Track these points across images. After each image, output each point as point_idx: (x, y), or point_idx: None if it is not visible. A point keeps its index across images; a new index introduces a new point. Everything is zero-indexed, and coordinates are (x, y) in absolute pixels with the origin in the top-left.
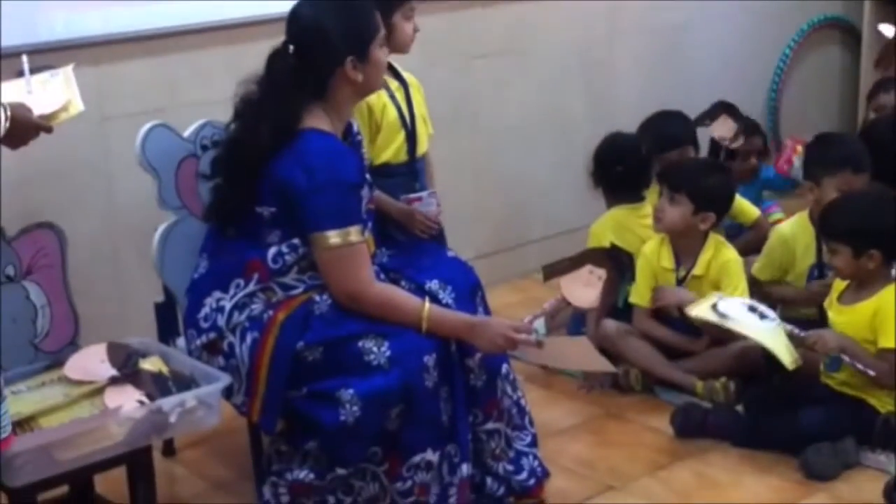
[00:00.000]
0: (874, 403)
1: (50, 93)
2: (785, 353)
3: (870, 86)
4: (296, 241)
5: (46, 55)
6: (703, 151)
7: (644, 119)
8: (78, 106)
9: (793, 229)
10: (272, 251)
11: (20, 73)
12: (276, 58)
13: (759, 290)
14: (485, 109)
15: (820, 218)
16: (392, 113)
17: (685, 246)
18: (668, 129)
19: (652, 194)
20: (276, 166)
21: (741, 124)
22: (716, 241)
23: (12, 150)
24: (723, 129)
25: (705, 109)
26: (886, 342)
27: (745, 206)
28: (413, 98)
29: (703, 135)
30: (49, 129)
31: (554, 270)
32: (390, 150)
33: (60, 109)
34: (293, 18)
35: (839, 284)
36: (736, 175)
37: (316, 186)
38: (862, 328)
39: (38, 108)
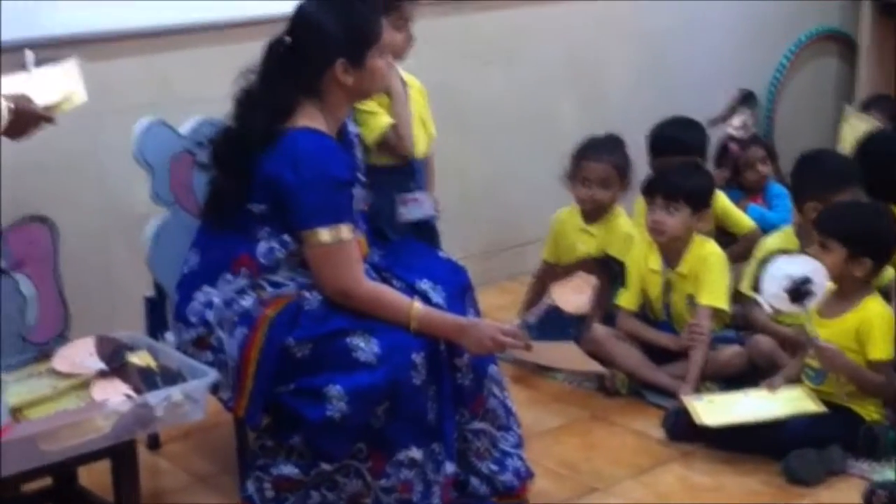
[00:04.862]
0: (859, 412)
1: (53, 84)
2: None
3: (865, 97)
4: (286, 237)
5: (44, 50)
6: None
7: (658, 122)
8: (81, 96)
9: (778, 243)
10: (262, 247)
11: (24, 67)
12: (273, 47)
13: (742, 308)
14: (475, 111)
15: (822, 214)
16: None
17: (674, 248)
18: (674, 133)
19: (638, 205)
20: (266, 163)
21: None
22: (699, 239)
23: (15, 142)
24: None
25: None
26: (877, 354)
27: (739, 217)
28: (413, 100)
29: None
30: (51, 120)
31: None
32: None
33: (63, 100)
34: (297, 10)
35: None
36: (745, 186)
37: (303, 182)
38: (846, 339)
39: (41, 99)
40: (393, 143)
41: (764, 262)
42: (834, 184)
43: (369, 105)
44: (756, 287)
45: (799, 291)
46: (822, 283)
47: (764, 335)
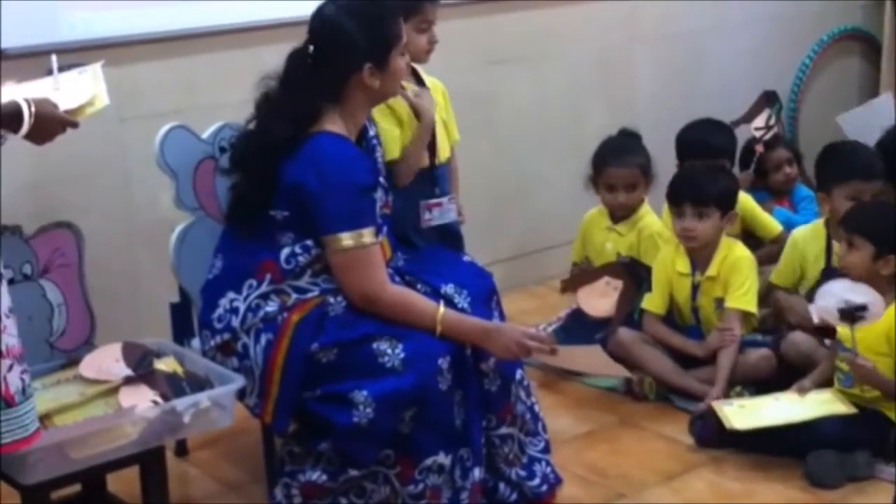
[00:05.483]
0: (889, 415)
1: (76, 89)
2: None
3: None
4: (309, 242)
5: (67, 55)
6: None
7: (686, 124)
8: (104, 100)
9: (806, 235)
10: (285, 252)
11: (49, 72)
12: (295, 56)
13: (772, 297)
14: (502, 114)
15: (849, 212)
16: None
17: (702, 251)
18: (701, 136)
19: (666, 210)
20: (289, 169)
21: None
22: (728, 242)
23: (38, 146)
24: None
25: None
26: None
27: (766, 221)
28: (434, 102)
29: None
30: (75, 124)
31: (572, 282)
32: None
33: (86, 104)
34: (316, 18)
35: None
36: (772, 189)
37: (327, 188)
38: (877, 343)
39: (64, 103)
40: (395, 173)
41: (827, 276)
42: (857, 173)
43: (388, 120)
44: (809, 297)
45: (852, 315)
46: (878, 314)
47: (800, 332)
